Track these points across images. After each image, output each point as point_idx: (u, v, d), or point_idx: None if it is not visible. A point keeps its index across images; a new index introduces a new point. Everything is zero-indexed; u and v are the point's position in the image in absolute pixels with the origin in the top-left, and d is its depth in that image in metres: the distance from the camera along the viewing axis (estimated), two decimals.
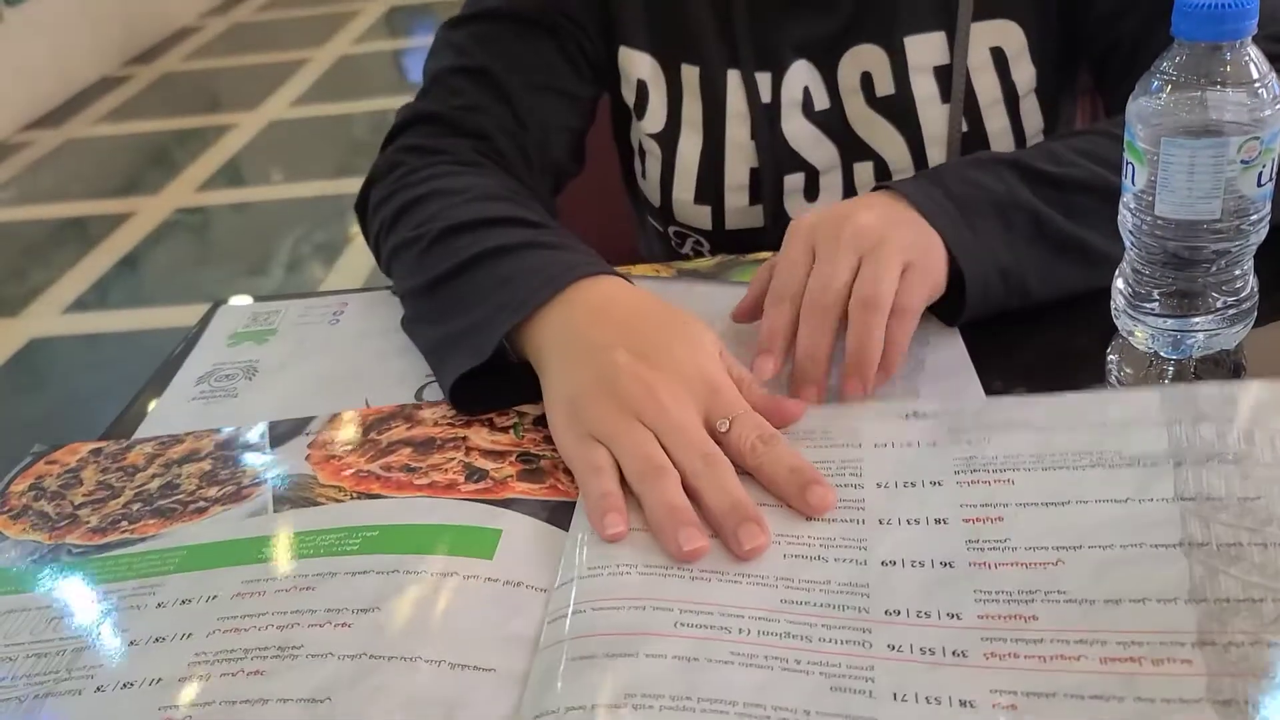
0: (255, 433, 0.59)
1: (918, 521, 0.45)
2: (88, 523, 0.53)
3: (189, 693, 0.41)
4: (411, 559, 0.46)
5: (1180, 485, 0.43)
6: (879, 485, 0.47)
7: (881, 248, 0.54)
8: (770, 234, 0.76)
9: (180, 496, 0.54)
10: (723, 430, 0.49)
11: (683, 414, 0.49)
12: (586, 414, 0.50)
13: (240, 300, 0.76)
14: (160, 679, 0.41)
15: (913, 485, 0.46)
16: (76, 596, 0.47)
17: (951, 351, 0.57)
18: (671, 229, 0.80)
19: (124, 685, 0.41)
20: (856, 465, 0.48)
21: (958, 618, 0.39)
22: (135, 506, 0.54)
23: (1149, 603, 0.38)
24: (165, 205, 2.94)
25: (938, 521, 0.44)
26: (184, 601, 0.46)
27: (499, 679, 0.39)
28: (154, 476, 0.56)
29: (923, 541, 0.43)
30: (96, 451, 0.59)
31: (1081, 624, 0.38)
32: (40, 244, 2.83)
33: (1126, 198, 0.50)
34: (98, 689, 0.41)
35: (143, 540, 0.51)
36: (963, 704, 0.36)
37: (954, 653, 0.38)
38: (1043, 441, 0.47)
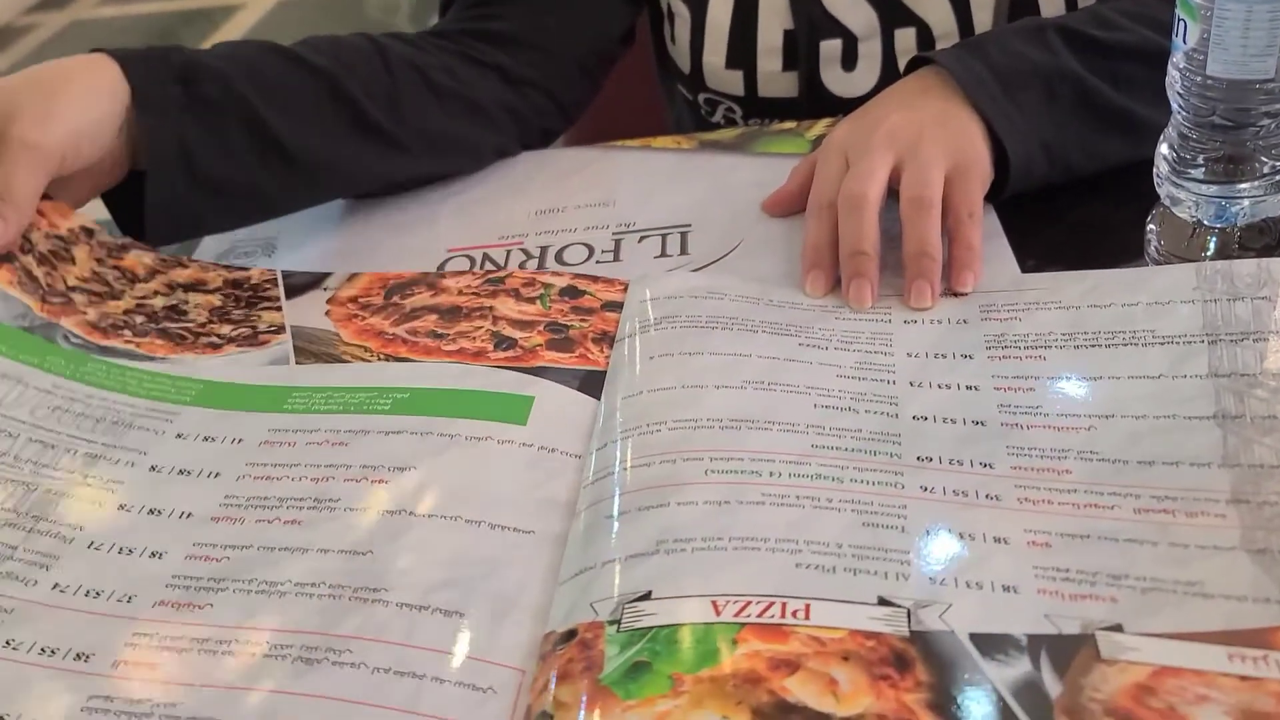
0: (268, 278, 0.58)
1: (948, 386, 0.45)
2: (84, 314, 0.51)
3: (223, 533, 0.41)
4: (444, 421, 0.46)
5: (1215, 362, 0.43)
6: (909, 355, 0.47)
7: (920, 147, 0.53)
8: (804, 104, 0.74)
9: (189, 324, 0.53)
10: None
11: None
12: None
13: None
14: (190, 514, 0.41)
15: (943, 356, 0.46)
16: (82, 393, 0.46)
17: (987, 226, 0.56)
18: (702, 96, 0.78)
19: (150, 511, 0.41)
20: (887, 337, 0.48)
21: (990, 467, 0.40)
22: (139, 320, 0.53)
23: (1182, 465, 0.38)
24: None
25: (969, 388, 0.44)
26: (206, 439, 0.45)
27: (538, 540, 0.40)
28: (157, 294, 0.54)
29: (954, 403, 0.44)
30: (89, 232, 0.57)
31: (1115, 480, 0.38)
32: None
33: (1176, 57, 0.48)
34: (121, 506, 0.41)
35: (151, 360, 0.50)
36: (996, 540, 0.36)
37: (987, 495, 0.38)
38: (1075, 320, 0.47)
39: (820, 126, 0.69)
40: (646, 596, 0.34)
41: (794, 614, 0.33)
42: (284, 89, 0.61)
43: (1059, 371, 0.44)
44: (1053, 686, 0.30)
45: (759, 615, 0.33)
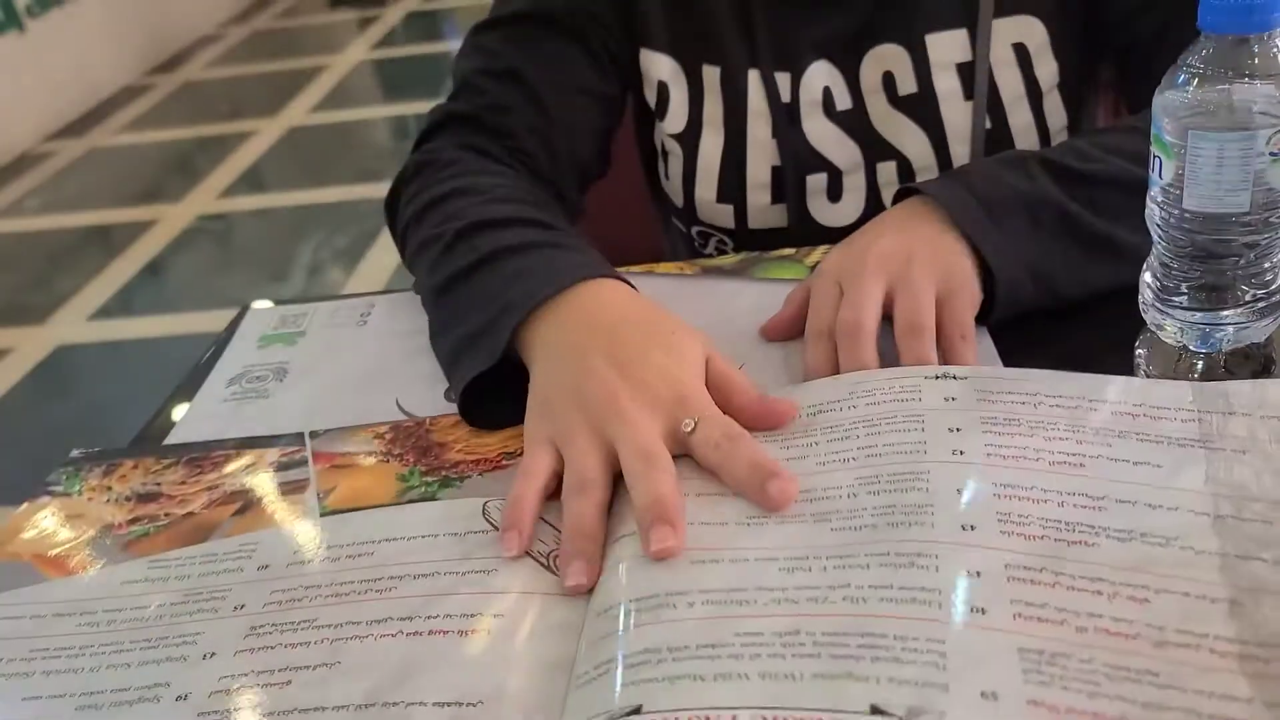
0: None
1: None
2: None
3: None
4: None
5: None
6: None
7: (910, 272, 0.55)
8: (794, 234, 0.77)
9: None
10: (687, 430, 0.48)
11: (639, 418, 0.48)
12: (553, 416, 0.51)
13: (263, 304, 0.77)
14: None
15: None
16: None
17: (982, 348, 0.57)
18: (695, 229, 0.81)
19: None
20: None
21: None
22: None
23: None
24: (188, 212, 2.96)
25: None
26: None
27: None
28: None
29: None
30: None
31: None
32: (65, 252, 2.86)
33: (1154, 191, 0.50)
34: None
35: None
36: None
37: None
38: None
39: (818, 253, 0.70)
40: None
41: None
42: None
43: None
44: None
45: None
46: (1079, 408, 0.48)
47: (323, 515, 0.53)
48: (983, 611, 0.37)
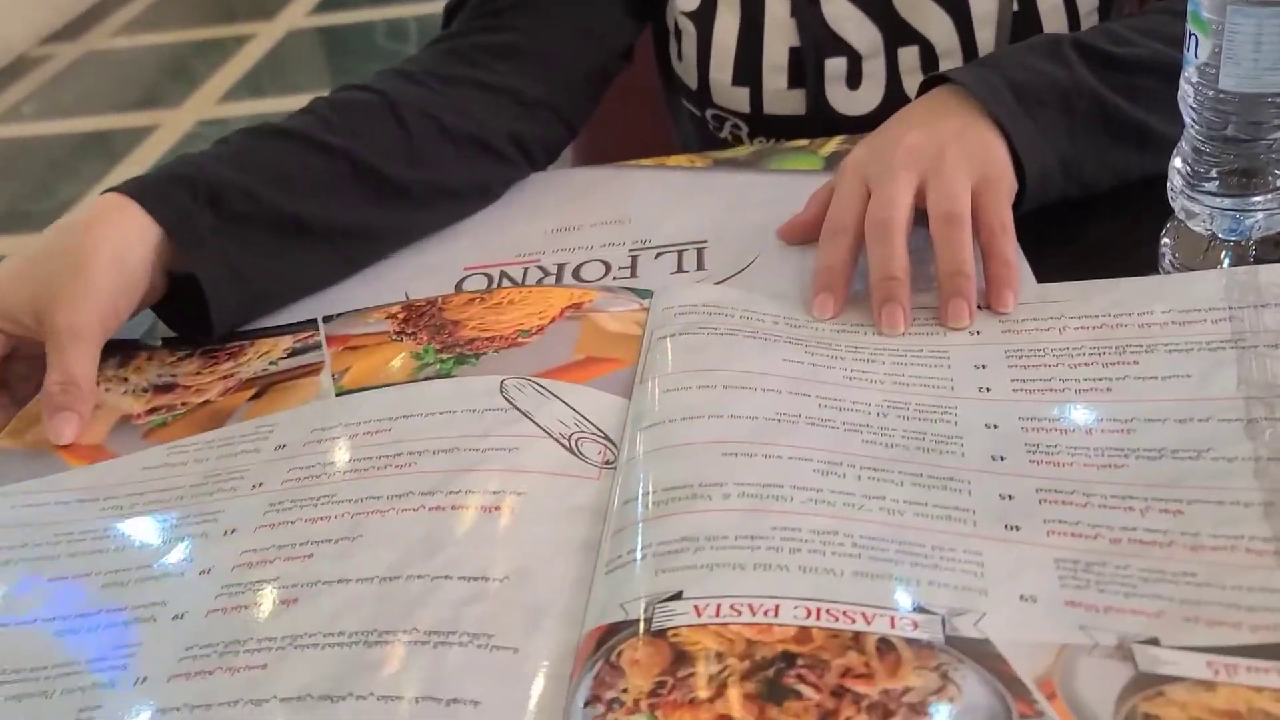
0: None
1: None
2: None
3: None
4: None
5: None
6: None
7: (943, 163, 0.53)
8: (811, 122, 0.75)
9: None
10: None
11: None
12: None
13: None
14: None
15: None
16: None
17: None
18: (709, 112, 0.79)
19: None
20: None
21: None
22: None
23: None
24: (187, 118, 2.91)
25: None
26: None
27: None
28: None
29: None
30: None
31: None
32: (65, 158, 2.82)
33: (1188, 71, 0.48)
34: None
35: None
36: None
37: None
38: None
39: (833, 143, 0.69)
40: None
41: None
42: (307, 179, 0.62)
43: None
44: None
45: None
46: (1104, 325, 0.47)
47: (338, 395, 0.52)
48: (1017, 529, 0.37)
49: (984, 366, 0.46)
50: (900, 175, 0.53)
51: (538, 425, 0.46)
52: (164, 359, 0.59)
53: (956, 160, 0.53)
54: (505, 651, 0.35)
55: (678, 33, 0.78)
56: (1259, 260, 0.50)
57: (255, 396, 0.54)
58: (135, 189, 0.58)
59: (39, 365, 0.55)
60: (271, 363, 0.57)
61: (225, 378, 0.56)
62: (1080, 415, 0.42)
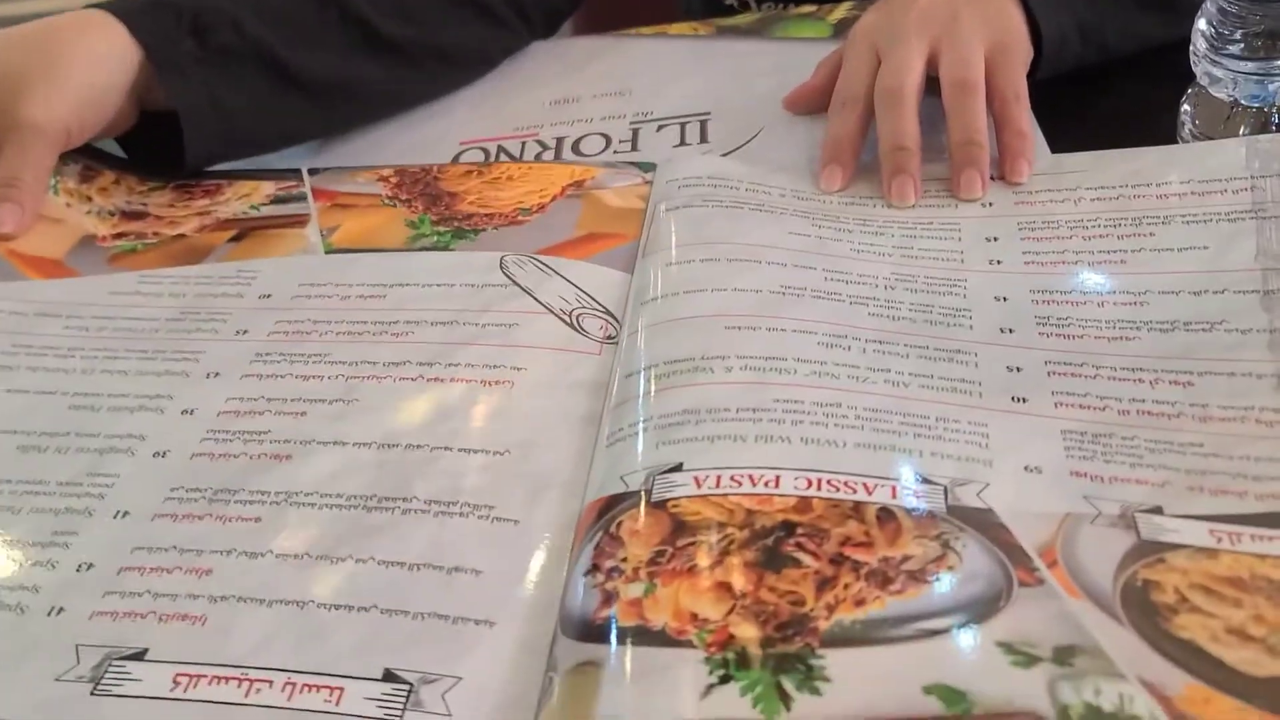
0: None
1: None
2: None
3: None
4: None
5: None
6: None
7: (957, 28, 0.51)
8: None
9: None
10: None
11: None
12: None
13: None
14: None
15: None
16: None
17: None
18: None
19: None
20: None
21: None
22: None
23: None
24: None
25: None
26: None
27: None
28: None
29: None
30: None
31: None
32: None
33: None
34: None
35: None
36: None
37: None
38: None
39: (842, 9, 0.67)
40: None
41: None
42: (295, 21, 0.59)
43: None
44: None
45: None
46: (1120, 197, 0.46)
47: (327, 252, 0.51)
48: (1024, 400, 0.37)
49: (995, 239, 0.45)
50: (911, 41, 0.51)
51: (538, 301, 0.45)
52: (132, 185, 0.57)
53: (971, 25, 0.51)
54: (507, 523, 0.35)
55: None
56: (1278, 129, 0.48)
57: (236, 239, 0.53)
58: (119, 7, 0.56)
59: None
60: (253, 206, 0.55)
61: (201, 214, 0.55)
62: (1092, 287, 0.42)
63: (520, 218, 0.52)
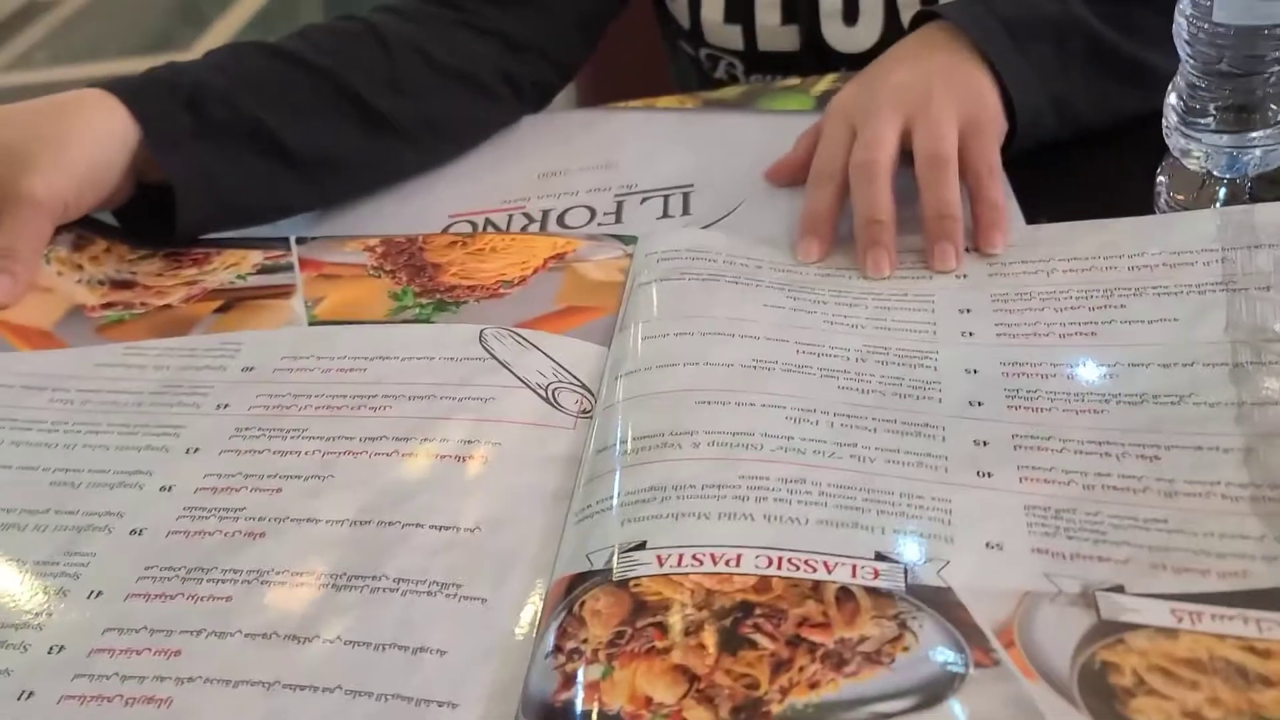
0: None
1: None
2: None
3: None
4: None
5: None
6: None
7: (930, 103, 0.52)
8: (806, 59, 0.74)
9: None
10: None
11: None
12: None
13: None
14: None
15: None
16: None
17: None
18: (703, 52, 0.78)
19: None
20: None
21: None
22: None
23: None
24: None
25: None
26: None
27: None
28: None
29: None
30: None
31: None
32: None
33: (1182, 4, 0.47)
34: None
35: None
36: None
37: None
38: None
39: (826, 82, 0.68)
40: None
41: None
42: (288, 96, 0.61)
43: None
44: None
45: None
46: (1093, 269, 0.46)
47: (311, 324, 0.52)
48: (989, 475, 0.37)
49: (968, 311, 0.46)
50: (885, 115, 0.52)
51: (515, 375, 0.46)
52: (123, 254, 0.58)
53: (943, 100, 0.52)
54: (474, 601, 0.36)
55: None
56: (1254, 198, 0.49)
57: (221, 310, 0.54)
58: (117, 85, 0.58)
59: None
60: (240, 276, 0.56)
61: (189, 284, 0.56)
62: (1063, 359, 0.42)
63: (502, 290, 0.53)
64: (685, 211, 0.59)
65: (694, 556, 0.33)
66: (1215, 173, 0.49)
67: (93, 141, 0.55)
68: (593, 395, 0.44)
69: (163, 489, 0.42)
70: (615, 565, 0.33)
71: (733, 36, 0.75)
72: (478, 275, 0.54)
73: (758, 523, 0.35)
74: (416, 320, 0.51)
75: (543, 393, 0.45)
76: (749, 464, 0.37)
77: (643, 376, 0.43)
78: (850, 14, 0.72)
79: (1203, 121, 0.48)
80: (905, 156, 0.52)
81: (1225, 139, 0.48)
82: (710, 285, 0.49)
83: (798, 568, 0.33)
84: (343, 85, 0.62)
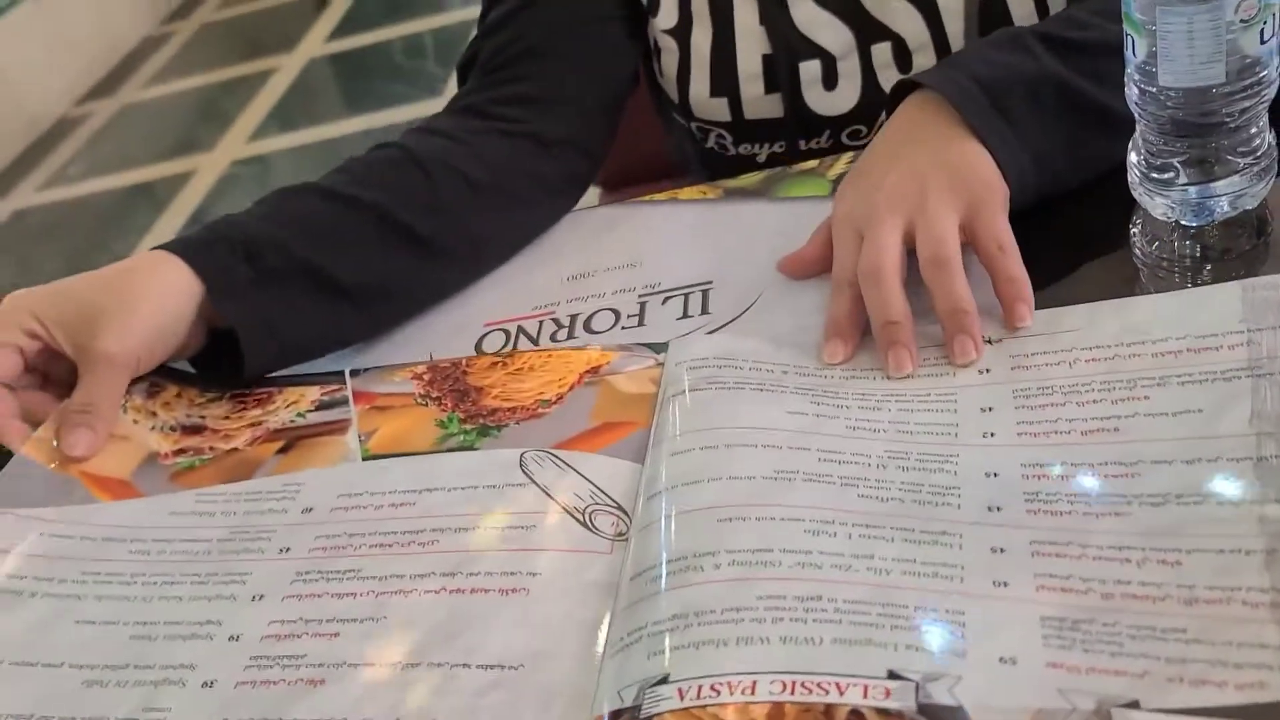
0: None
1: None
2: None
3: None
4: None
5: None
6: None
7: (926, 204, 0.53)
8: (791, 124, 0.76)
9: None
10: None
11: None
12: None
13: None
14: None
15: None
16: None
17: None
18: (694, 125, 0.80)
19: None
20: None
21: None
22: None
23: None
24: (223, 159, 2.98)
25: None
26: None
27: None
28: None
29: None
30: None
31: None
32: (114, 212, 2.91)
33: (1130, 70, 0.48)
34: None
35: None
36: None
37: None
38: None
39: (842, 163, 0.69)
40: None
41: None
42: (337, 234, 0.65)
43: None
44: None
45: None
46: (1116, 357, 0.45)
47: (364, 459, 0.55)
48: (1005, 584, 0.36)
49: (990, 409, 0.45)
50: (886, 221, 0.53)
51: (554, 500, 0.48)
52: (192, 398, 0.62)
53: (939, 196, 0.53)
54: None
55: (658, 50, 0.79)
56: (1225, 238, 0.50)
57: (283, 450, 0.57)
58: (179, 246, 0.62)
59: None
60: (299, 414, 0.59)
61: (253, 425, 0.59)
62: (1083, 459, 0.41)
63: (540, 410, 0.55)
64: (704, 309, 0.61)
65: (712, 687, 0.34)
66: (1183, 223, 0.50)
67: (160, 300, 0.60)
68: (628, 516, 0.46)
69: (231, 638, 0.44)
70: (643, 703, 0.35)
71: (719, 109, 0.77)
72: (517, 396, 0.57)
73: (773, 645, 0.35)
74: (461, 447, 0.54)
75: (580, 516, 0.47)
76: (767, 583, 0.38)
77: (670, 495, 0.44)
78: (829, 79, 0.74)
79: (1166, 175, 0.49)
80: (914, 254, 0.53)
81: (1192, 191, 0.49)
82: (735, 394, 0.50)
83: (810, 691, 0.33)
84: (387, 215, 0.65)
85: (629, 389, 0.55)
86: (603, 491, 0.48)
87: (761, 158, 0.79)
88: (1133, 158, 0.51)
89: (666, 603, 0.39)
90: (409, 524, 0.49)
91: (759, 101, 0.76)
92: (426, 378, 0.60)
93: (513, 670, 0.40)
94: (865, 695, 0.33)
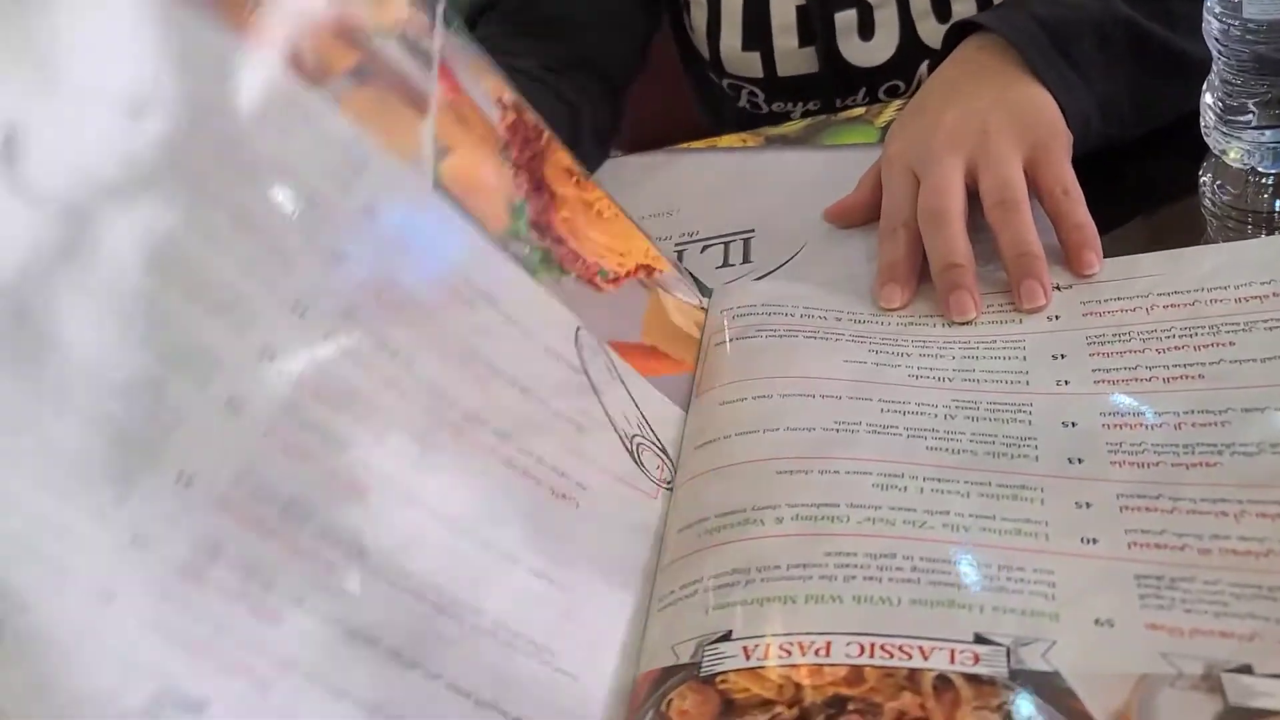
0: None
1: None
2: None
3: None
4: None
5: None
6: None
7: (988, 144, 0.50)
8: (826, 79, 0.74)
9: None
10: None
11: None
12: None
13: None
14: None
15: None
16: None
17: None
18: (725, 82, 0.78)
19: None
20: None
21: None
22: None
23: None
24: None
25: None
26: None
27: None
28: None
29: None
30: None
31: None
32: None
33: (1209, 2, 0.45)
34: None
35: None
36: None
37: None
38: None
39: (891, 110, 0.67)
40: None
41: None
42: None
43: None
44: None
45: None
46: (1197, 303, 0.43)
47: (435, 187, 0.41)
48: (1094, 541, 0.34)
49: (1063, 356, 0.43)
50: (946, 160, 0.50)
51: (604, 410, 0.43)
52: None
53: (1001, 134, 0.50)
54: (567, 677, 0.34)
55: (687, 4, 0.77)
56: None
57: (355, 74, 0.39)
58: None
59: None
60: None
61: None
62: (1169, 405, 0.39)
63: (599, 280, 0.48)
64: (746, 258, 0.58)
65: (782, 647, 0.32)
66: (1259, 169, 0.47)
67: None
68: (673, 464, 0.43)
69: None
70: (703, 660, 0.32)
71: (752, 63, 0.75)
72: (583, 240, 0.49)
73: (847, 604, 0.33)
74: (525, 260, 0.44)
75: (628, 444, 0.43)
76: (835, 539, 0.36)
77: (720, 446, 0.42)
78: (866, 29, 0.71)
79: (1242, 119, 0.47)
80: (975, 195, 0.51)
81: (1268, 134, 0.46)
82: (788, 342, 0.47)
83: (891, 654, 0.31)
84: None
85: (676, 319, 0.51)
86: (649, 425, 0.45)
87: (795, 115, 0.77)
88: (1208, 99, 0.48)
89: (724, 556, 0.37)
90: (462, 331, 0.39)
91: (792, 55, 0.73)
92: (510, 120, 0.47)
93: (562, 592, 0.36)
94: (952, 660, 0.31)
